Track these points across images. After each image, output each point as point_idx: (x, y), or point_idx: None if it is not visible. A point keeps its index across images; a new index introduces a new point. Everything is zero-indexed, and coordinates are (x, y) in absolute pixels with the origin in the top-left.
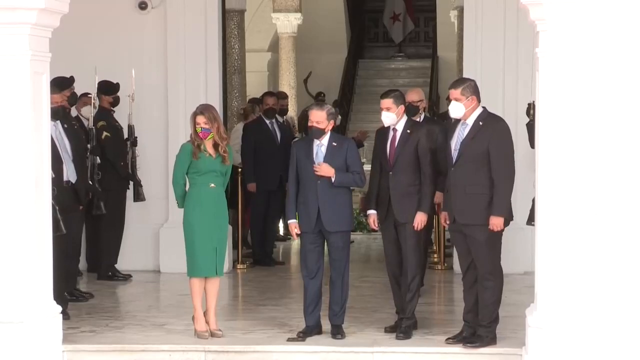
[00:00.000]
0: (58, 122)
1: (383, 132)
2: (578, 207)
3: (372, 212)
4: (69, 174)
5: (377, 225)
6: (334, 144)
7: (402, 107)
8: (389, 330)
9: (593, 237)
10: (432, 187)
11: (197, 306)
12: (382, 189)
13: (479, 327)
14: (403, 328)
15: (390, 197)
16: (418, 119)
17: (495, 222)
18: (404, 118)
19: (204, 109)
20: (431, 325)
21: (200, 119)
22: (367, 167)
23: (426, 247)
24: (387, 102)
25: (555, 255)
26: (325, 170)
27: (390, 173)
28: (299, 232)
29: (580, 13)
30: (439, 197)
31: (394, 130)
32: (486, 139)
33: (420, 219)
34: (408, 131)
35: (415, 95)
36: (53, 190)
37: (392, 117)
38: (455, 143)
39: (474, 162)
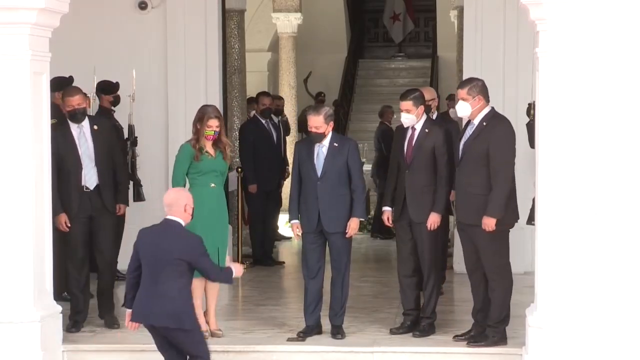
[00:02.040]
0: (84, 124)
1: (402, 130)
2: (578, 207)
3: (387, 209)
4: (87, 179)
5: (391, 222)
6: (335, 144)
7: (421, 108)
8: (395, 331)
9: (593, 237)
10: (447, 187)
11: (197, 306)
12: (399, 187)
13: (487, 327)
14: (421, 327)
15: (405, 196)
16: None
17: (487, 222)
18: (423, 118)
19: (216, 111)
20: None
21: (214, 123)
22: (367, 168)
23: (444, 247)
24: (407, 104)
25: (555, 255)
26: (355, 227)
27: (407, 172)
28: (300, 233)
29: (581, 12)
30: (452, 195)
31: (413, 129)
32: (487, 139)
33: (433, 220)
34: (426, 130)
35: (427, 94)
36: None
37: (412, 119)
38: (462, 143)
39: (475, 162)
